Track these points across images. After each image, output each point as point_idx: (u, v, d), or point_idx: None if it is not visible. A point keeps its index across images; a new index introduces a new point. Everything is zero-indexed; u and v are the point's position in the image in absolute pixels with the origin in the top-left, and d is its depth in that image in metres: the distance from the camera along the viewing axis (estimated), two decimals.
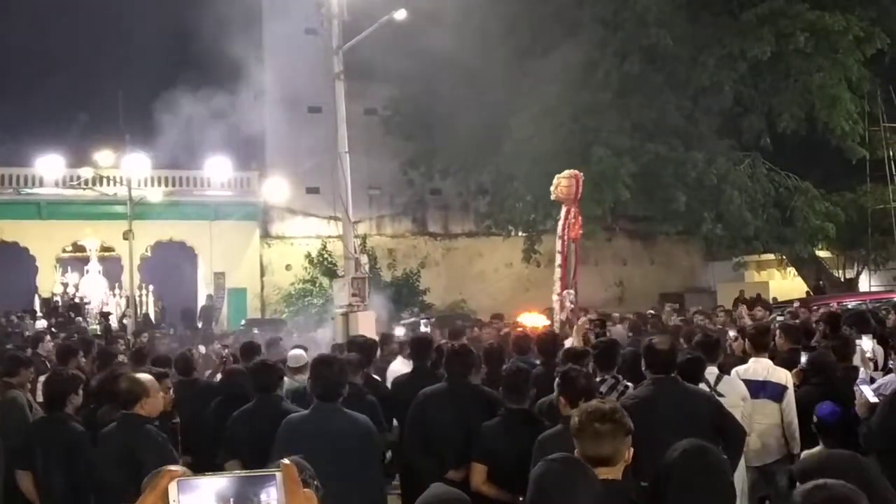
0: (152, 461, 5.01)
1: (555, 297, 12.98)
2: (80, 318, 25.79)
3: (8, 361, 7.53)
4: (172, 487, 1.30)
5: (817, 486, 2.61)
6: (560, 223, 13.04)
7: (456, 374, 6.15)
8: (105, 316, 26.83)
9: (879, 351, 7.86)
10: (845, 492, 2.59)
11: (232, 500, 1.28)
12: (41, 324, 23.21)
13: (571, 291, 13.30)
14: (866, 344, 7.71)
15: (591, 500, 3.27)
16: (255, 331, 20.53)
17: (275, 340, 11.30)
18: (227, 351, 12.88)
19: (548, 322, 13.98)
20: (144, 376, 5.69)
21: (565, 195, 12.99)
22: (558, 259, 12.96)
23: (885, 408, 5.40)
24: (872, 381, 6.84)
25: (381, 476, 5.20)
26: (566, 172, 13.35)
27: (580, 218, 13.33)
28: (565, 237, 12.73)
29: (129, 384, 5.48)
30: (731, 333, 10.73)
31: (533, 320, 14.75)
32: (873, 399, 5.68)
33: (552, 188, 13.25)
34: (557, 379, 5.23)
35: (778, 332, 8.11)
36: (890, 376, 6.43)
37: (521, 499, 5.15)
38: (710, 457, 3.63)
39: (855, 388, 5.97)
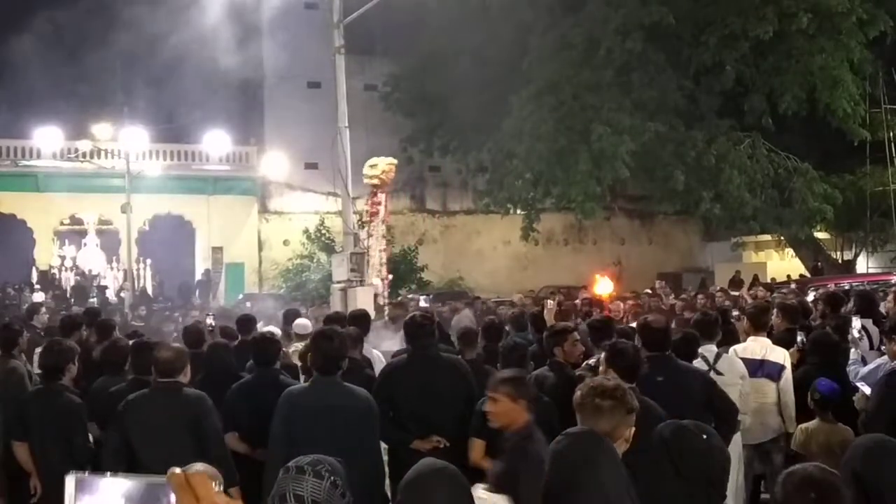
0: (215, 426, 5.26)
1: (377, 281, 13.11)
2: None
3: (8, 331, 7.52)
4: (69, 484, 1.24)
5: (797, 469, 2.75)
6: (382, 208, 13.14)
7: (418, 345, 6.09)
8: (101, 289, 26.82)
9: (875, 331, 7.86)
10: (826, 476, 2.70)
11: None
12: (38, 296, 23.23)
13: (391, 276, 13.62)
14: (856, 323, 7.72)
15: (614, 474, 3.28)
16: (248, 304, 20.55)
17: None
18: (211, 321, 12.68)
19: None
20: (180, 346, 5.74)
21: (388, 180, 13.06)
22: (382, 244, 13.12)
23: (880, 392, 5.42)
24: (864, 361, 6.88)
25: (380, 449, 5.21)
26: (389, 159, 13.38)
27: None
28: (387, 221, 12.95)
29: (175, 354, 5.42)
30: (734, 313, 10.76)
31: (604, 286, 14.79)
32: (868, 391, 5.73)
33: (372, 170, 13.25)
34: (606, 352, 5.22)
35: (776, 311, 8.10)
36: (882, 358, 6.43)
37: None
38: (704, 436, 3.64)
39: (852, 382, 6.02)
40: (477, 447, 5.34)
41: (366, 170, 13.53)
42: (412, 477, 2.93)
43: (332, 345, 5.17)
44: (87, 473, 1.26)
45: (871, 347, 7.53)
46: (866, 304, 8.46)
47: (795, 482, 2.71)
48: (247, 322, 8.93)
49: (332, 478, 2.73)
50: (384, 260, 13.35)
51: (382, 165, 13.40)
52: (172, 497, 1.23)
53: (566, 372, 6.02)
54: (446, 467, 2.99)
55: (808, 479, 2.70)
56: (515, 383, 4.38)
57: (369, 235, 13.80)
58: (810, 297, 13.37)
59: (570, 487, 3.21)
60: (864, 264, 30.19)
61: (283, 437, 4.84)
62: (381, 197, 13.37)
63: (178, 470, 1.24)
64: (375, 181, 13.50)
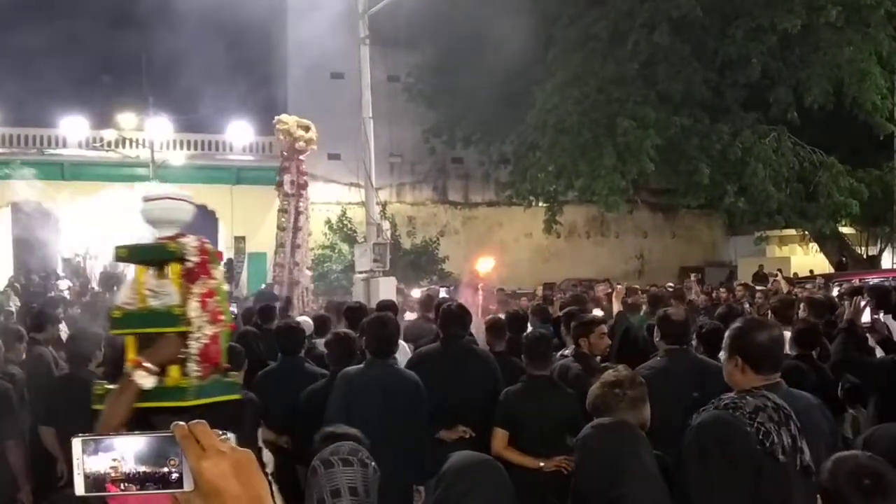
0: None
1: (307, 272, 11.96)
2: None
3: (36, 317, 7.57)
4: (76, 446, 1.23)
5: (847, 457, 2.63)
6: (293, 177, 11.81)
7: (451, 335, 6.11)
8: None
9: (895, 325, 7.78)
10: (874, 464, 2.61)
11: (151, 460, 1.23)
12: (64, 284, 23.43)
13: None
14: (866, 317, 7.62)
15: (652, 459, 3.27)
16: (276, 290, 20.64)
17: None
18: (233, 307, 12.72)
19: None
20: None
21: (308, 145, 11.76)
22: (301, 222, 11.60)
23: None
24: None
25: (428, 429, 5.31)
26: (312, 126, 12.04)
27: None
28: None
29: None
30: (747, 307, 10.73)
31: (484, 265, 13.49)
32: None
33: (307, 133, 11.98)
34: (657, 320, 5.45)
35: (803, 304, 8.03)
36: None
37: (541, 464, 5.18)
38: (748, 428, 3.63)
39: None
40: (500, 437, 5.37)
41: (297, 131, 12.34)
42: (457, 466, 2.87)
43: (385, 330, 5.50)
44: (92, 435, 1.25)
45: None
46: (882, 297, 8.37)
47: (849, 469, 2.59)
48: (267, 311, 9.06)
49: (371, 463, 2.76)
50: (310, 245, 11.95)
51: (313, 131, 12.36)
52: (179, 449, 1.24)
53: (591, 364, 6.00)
54: (486, 459, 2.95)
55: (860, 467, 2.61)
56: None
57: (298, 213, 12.43)
58: (834, 292, 13.29)
59: (614, 474, 3.20)
60: (889, 259, 29.88)
61: (339, 416, 5.00)
62: (292, 166, 12.28)
63: (179, 422, 1.26)
64: (314, 146, 12.38)
